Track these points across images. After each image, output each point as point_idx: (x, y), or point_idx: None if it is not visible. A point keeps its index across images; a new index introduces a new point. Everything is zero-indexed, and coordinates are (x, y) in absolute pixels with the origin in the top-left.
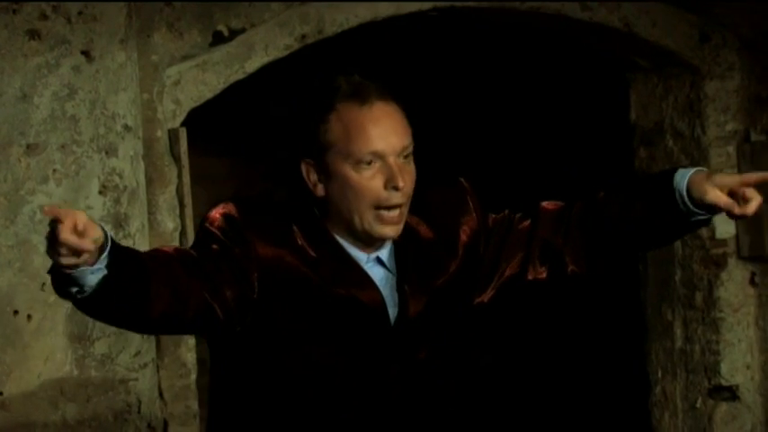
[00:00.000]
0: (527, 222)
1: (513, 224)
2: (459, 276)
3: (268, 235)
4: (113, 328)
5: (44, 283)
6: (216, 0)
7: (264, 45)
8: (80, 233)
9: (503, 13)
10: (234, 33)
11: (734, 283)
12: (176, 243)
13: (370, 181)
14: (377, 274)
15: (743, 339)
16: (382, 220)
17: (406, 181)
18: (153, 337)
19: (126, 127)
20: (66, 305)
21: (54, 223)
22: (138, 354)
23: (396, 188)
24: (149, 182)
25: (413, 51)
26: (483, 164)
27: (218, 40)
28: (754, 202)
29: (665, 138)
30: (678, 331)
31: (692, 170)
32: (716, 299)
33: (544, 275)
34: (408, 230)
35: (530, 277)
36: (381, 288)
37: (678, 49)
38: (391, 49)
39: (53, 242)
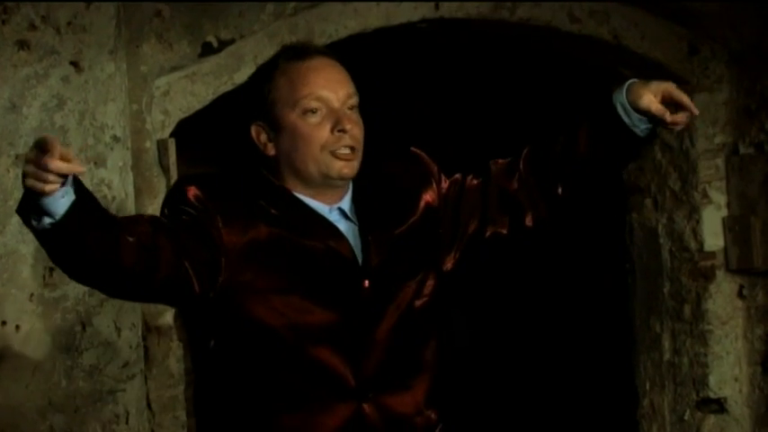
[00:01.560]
0: (480, 178)
1: (467, 182)
2: (419, 229)
3: (231, 204)
4: (102, 339)
5: (32, 294)
6: (207, 1)
7: (253, 56)
8: (65, 159)
9: (492, 25)
10: (223, 44)
11: (722, 296)
12: None
13: (317, 127)
14: (341, 225)
15: (731, 352)
16: (336, 157)
17: (354, 126)
18: (141, 348)
19: (115, 138)
20: (55, 315)
21: (40, 152)
22: (126, 365)
23: (342, 130)
24: (138, 192)
25: (402, 63)
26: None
27: (208, 51)
28: (681, 115)
29: (653, 150)
30: (666, 343)
31: (630, 81)
32: (704, 311)
33: (505, 228)
34: (366, 186)
35: (490, 232)
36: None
37: (667, 61)
38: (380, 61)
39: (41, 170)
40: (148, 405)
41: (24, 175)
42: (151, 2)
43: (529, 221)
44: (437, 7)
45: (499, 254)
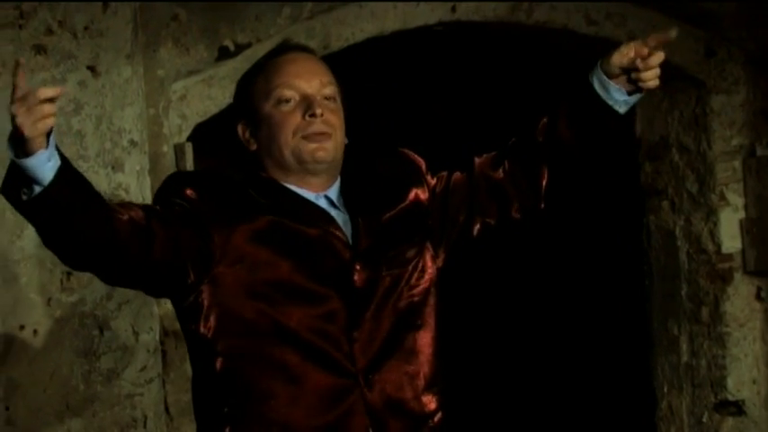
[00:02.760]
0: (466, 172)
1: (453, 176)
2: (408, 216)
3: (223, 196)
4: (119, 343)
5: (50, 298)
6: (224, 1)
7: None
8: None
9: (508, 28)
10: (240, 48)
11: (740, 298)
12: None
13: (290, 114)
14: (330, 212)
15: (749, 354)
16: (309, 139)
17: (327, 112)
18: (159, 352)
19: (132, 142)
20: (73, 320)
21: (23, 91)
22: (143, 369)
23: (313, 115)
24: None
25: (418, 66)
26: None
27: (224, 55)
28: (654, 58)
29: (670, 152)
30: (684, 346)
31: (601, 58)
32: (722, 313)
33: (493, 218)
34: (355, 177)
35: (479, 223)
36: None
37: (684, 63)
38: (397, 64)
39: (33, 104)
40: (166, 409)
41: (17, 130)
42: (168, 2)
43: (516, 211)
44: (453, 10)
45: (518, 256)
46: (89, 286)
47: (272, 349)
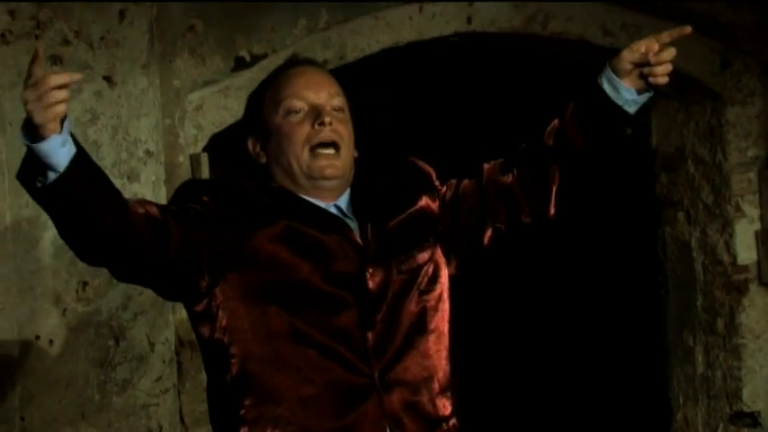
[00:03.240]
0: (475, 178)
1: (463, 183)
2: (418, 221)
3: (239, 203)
4: (135, 353)
5: (65, 308)
6: (243, 1)
7: None
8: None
9: (524, 39)
10: (256, 59)
11: (755, 309)
12: None
13: (299, 125)
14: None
15: (764, 365)
16: (318, 157)
17: (335, 122)
18: (174, 363)
19: (148, 152)
20: (88, 330)
21: (36, 78)
22: (159, 379)
23: (322, 123)
24: None
25: (433, 76)
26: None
27: (240, 65)
28: (666, 53)
29: (686, 163)
30: (700, 357)
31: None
32: (737, 325)
33: (503, 223)
34: (365, 187)
35: (489, 228)
36: None
37: (699, 75)
38: (412, 74)
39: (44, 91)
40: (181, 419)
41: (29, 117)
42: (185, 13)
43: (526, 216)
44: (469, 21)
45: (535, 266)
46: (105, 296)
47: (287, 351)
